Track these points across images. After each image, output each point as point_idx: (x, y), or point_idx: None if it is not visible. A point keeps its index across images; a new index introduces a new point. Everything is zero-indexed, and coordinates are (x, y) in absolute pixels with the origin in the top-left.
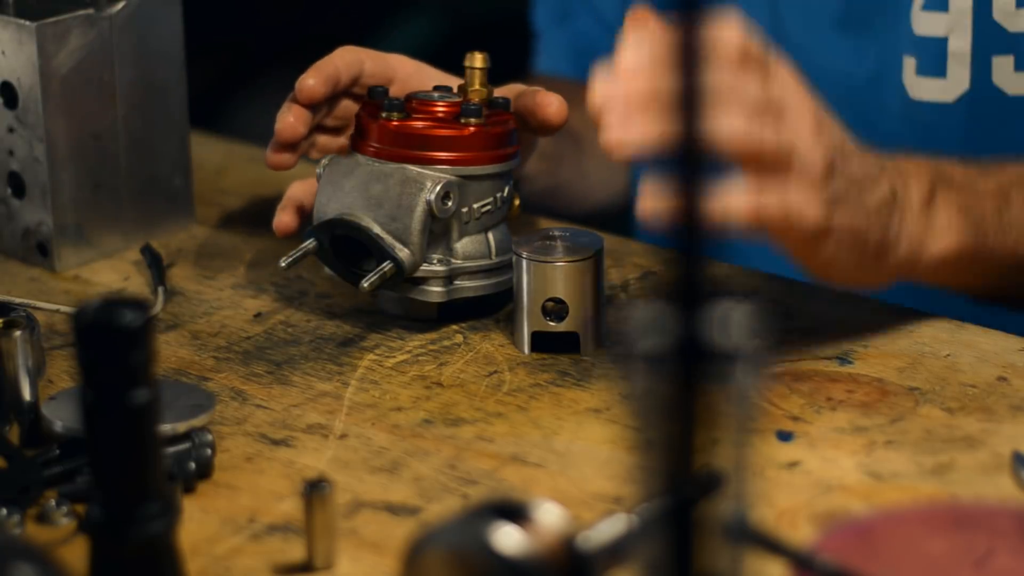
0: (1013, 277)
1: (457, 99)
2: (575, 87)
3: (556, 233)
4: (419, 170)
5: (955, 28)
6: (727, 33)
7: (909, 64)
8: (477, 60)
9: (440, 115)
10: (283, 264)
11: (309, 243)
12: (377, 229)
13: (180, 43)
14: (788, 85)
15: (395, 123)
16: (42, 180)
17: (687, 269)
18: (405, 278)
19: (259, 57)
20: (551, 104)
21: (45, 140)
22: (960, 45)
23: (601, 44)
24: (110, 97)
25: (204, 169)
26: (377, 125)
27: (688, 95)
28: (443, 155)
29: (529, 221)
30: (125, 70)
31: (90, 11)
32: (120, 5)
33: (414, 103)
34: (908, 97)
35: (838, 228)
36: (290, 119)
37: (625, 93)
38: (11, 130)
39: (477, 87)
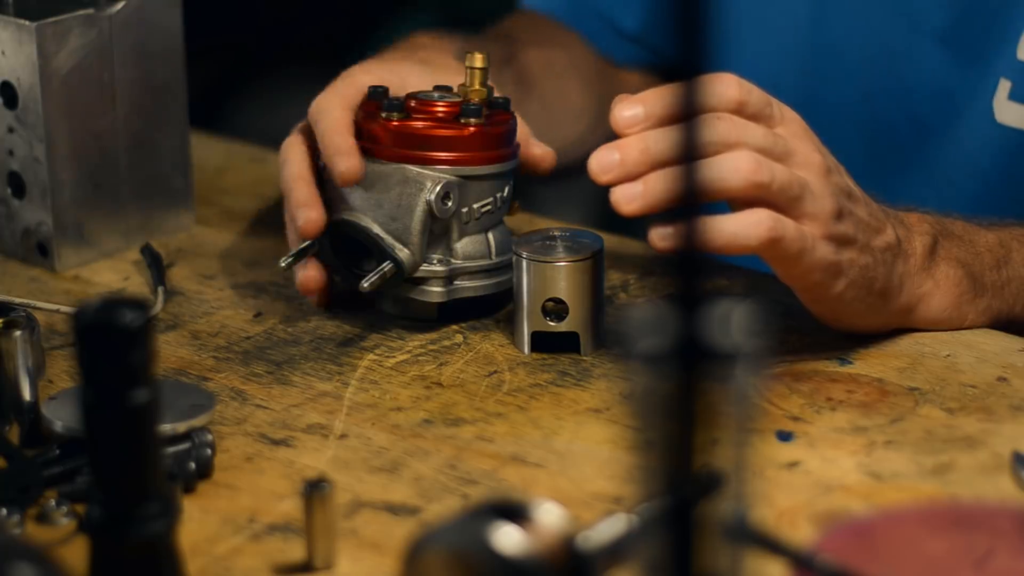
0: (1005, 328)
1: (457, 99)
2: (554, 27)
3: (556, 233)
4: (419, 170)
5: None
6: (723, 87)
7: (1004, 87)
8: (477, 60)
9: (440, 115)
10: (283, 264)
11: (311, 246)
12: (377, 229)
13: (180, 43)
14: (795, 131)
15: (395, 123)
16: (42, 180)
17: (687, 269)
18: (405, 278)
19: (259, 57)
20: (545, 160)
21: (45, 140)
22: None
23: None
24: (110, 97)
25: (204, 169)
26: (377, 125)
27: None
28: (443, 155)
29: (529, 221)
30: (125, 70)
31: (90, 11)
32: (120, 5)
33: (414, 103)
34: (994, 120)
35: (847, 267)
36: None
37: (630, 150)
38: (11, 130)
39: (477, 87)
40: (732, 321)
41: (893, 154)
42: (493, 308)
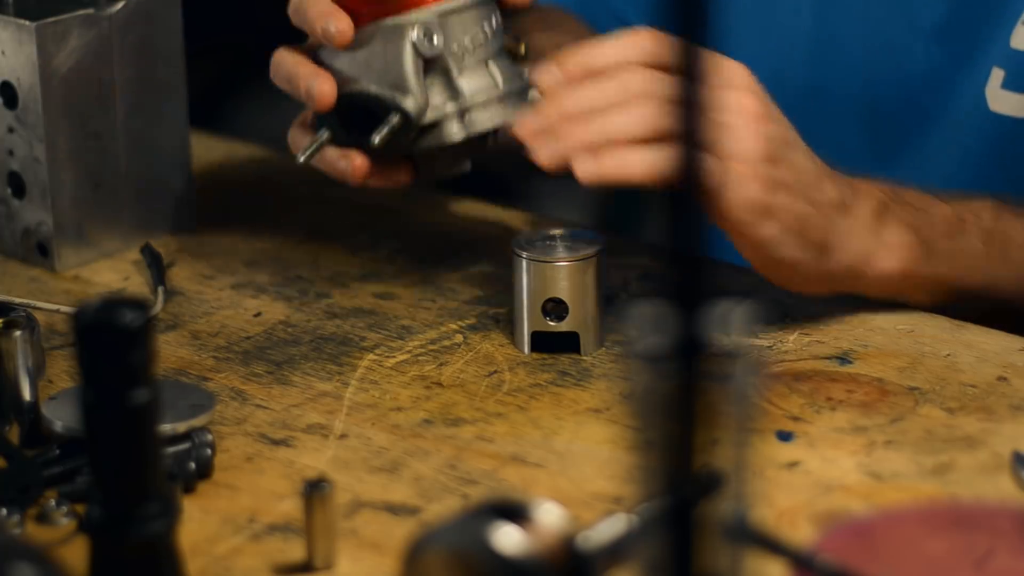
0: (957, 300)
1: None
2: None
3: (556, 233)
4: (394, 20)
5: None
6: (641, 39)
7: (996, 76)
8: None
9: None
10: (301, 159)
11: (322, 133)
12: (375, 88)
13: (180, 43)
14: (732, 83)
15: None
16: (42, 180)
17: (687, 269)
18: (417, 125)
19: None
20: None
21: (45, 140)
22: None
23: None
24: (110, 97)
25: (204, 169)
26: None
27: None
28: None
29: (529, 221)
30: (125, 70)
31: (90, 11)
32: (120, 5)
33: None
34: (987, 109)
35: (779, 210)
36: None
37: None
38: (11, 130)
39: None
40: (732, 321)
41: (893, 143)
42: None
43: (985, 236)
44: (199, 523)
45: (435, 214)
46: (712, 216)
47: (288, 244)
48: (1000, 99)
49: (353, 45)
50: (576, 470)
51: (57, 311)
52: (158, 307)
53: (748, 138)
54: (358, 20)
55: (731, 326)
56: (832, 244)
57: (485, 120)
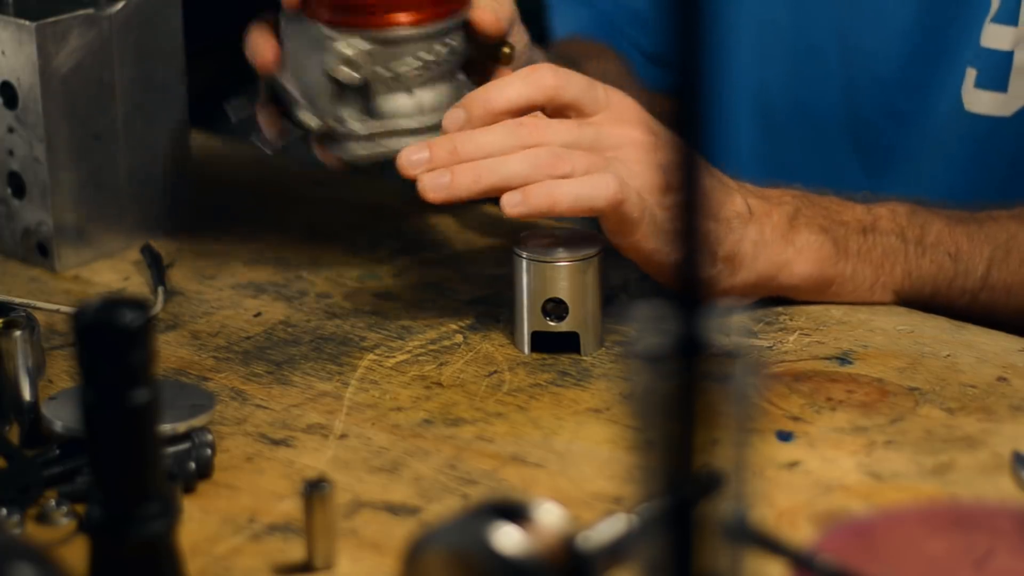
0: (896, 299)
1: None
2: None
3: (556, 233)
4: (331, 34)
5: (1022, 42)
6: (538, 76)
7: (970, 76)
8: None
9: None
10: (232, 118)
11: (253, 94)
12: (290, 85)
13: (180, 43)
14: (618, 114)
15: None
16: (42, 180)
17: (687, 269)
18: (316, 135)
19: None
20: (488, 24)
21: (45, 140)
22: None
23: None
24: (110, 97)
25: (204, 169)
26: None
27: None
28: (355, 19)
29: (529, 221)
30: (125, 70)
31: (90, 11)
32: (120, 5)
33: None
34: (963, 108)
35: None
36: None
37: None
38: (11, 130)
39: None
40: (732, 321)
41: (876, 149)
42: None
43: (900, 232)
44: (199, 523)
45: (435, 214)
46: (623, 245)
47: (288, 244)
48: (975, 99)
49: (300, 35)
50: (576, 470)
51: (57, 311)
52: (158, 307)
53: (643, 172)
54: (310, 12)
55: (731, 326)
56: (741, 256)
57: (394, 146)
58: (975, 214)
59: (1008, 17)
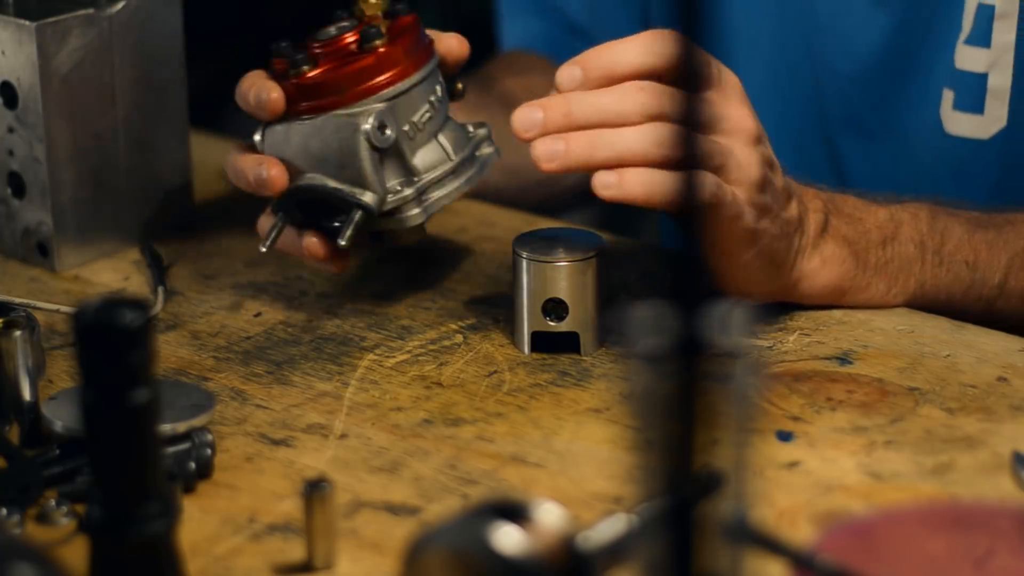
0: (905, 303)
1: (356, 24)
2: (541, 63)
3: (556, 233)
4: (346, 112)
5: (996, 64)
6: (659, 44)
7: (947, 97)
8: None
9: (346, 49)
10: (264, 248)
11: (281, 219)
12: (332, 183)
13: (180, 43)
14: (730, 95)
15: (307, 76)
16: (42, 180)
17: (687, 269)
18: (379, 215)
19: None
20: (459, 48)
21: (45, 140)
22: (1000, 82)
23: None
24: (110, 97)
25: (204, 169)
26: (290, 85)
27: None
28: (362, 87)
29: (529, 221)
30: (125, 70)
31: (90, 11)
32: (120, 5)
33: (317, 47)
34: (943, 131)
35: (761, 236)
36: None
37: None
38: (11, 130)
39: (371, 1)
40: (732, 321)
41: (852, 169)
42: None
43: (919, 240)
44: (199, 523)
45: (435, 214)
46: (703, 240)
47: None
48: (954, 121)
49: (304, 138)
50: (576, 470)
51: (57, 311)
52: (158, 307)
53: (747, 165)
54: (306, 110)
55: (731, 326)
56: (786, 262)
57: (442, 198)
58: (994, 217)
59: (981, 39)
